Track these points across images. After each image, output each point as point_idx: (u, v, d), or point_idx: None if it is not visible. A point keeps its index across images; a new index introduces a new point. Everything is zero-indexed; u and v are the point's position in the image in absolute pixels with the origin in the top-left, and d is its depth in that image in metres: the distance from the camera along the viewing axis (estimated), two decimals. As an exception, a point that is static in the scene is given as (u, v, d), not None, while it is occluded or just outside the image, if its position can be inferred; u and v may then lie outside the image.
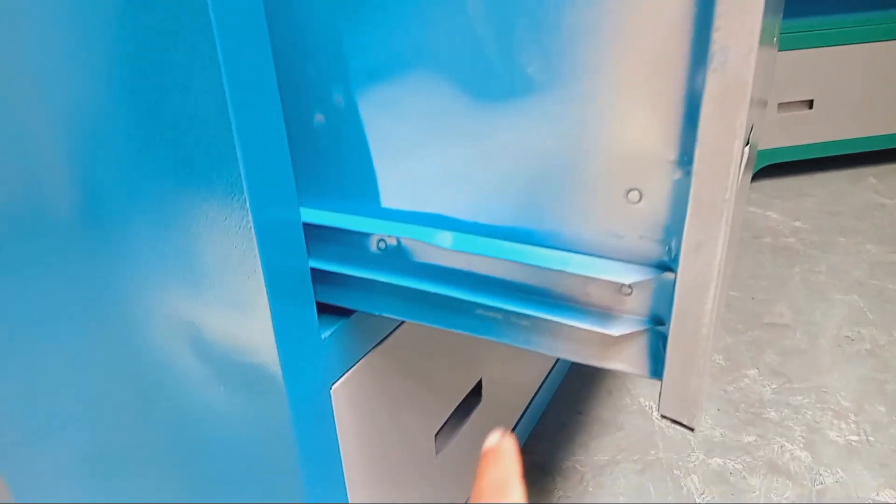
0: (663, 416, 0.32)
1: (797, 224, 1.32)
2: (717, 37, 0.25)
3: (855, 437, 0.78)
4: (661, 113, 0.28)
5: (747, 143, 0.44)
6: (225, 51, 0.30)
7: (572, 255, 0.32)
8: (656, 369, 0.32)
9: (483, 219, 0.34)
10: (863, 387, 0.87)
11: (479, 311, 0.36)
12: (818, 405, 0.84)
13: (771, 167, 1.52)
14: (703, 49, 0.26)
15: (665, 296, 0.31)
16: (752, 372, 0.90)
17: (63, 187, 0.40)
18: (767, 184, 1.51)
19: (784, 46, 1.41)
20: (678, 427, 0.80)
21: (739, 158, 0.26)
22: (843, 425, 0.80)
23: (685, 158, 0.28)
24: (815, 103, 1.47)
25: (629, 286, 0.31)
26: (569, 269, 0.32)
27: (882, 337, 0.96)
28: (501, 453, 0.27)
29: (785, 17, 1.43)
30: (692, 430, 0.32)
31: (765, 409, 0.84)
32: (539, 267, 0.33)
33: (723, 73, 0.25)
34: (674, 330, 0.30)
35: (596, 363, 0.34)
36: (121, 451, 0.51)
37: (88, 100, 0.36)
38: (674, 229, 0.29)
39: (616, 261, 0.32)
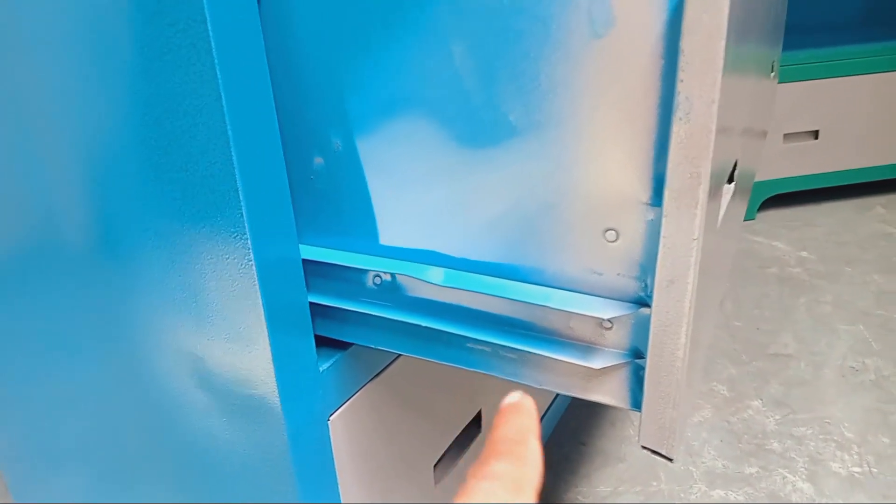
0: (643, 447, 0.33)
1: (803, 254, 1.33)
2: (682, 88, 0.26)
3: (858, 469, 0.78)
4: (634, 158, 0.29)
5: (731, 180, 0.46)
6: (229, 101, 0.32)
7: (555, 290, 0.34)
8: (636, 401, 0.33)
9: (472, 255, 0.36)
10: (867, 418, 0.87)
11: (469, 345, 0.38)
12: (821, 436, 0.84)
13: (778, 197, 1.52)
14: (669, 99, 0.27)
15: (643, 330, 0.32)
16: (756, 403, 0.91)
17: (79, 224, 0.42)
18: (774, 213, 1.52)
19: (789, 78, 1.42)
20: (680, 458, 0.80)
21: (706, 201, 0.28)
22: (846, 457, 0.80)
23: (657, 200, 0.29)
24: (820, 134, 1.48)
25: (609, 321, 0.33)
26: (552, 305, 0.34)
27: (887, 368, 0.96)
28: (521, 409, 0.25)
29: (789, 49, 1.45)
30: (671, 460, 0.33)
31: (768, 440, 0.84)
32: (524, 302, 0.35)
33: (687, 122, 0.27)
34: (650, 363, 0.31)
35: (579, 395, 0.35)
36: (127, 472, 0.52)
37: (104, 143, 0.38)
38: (648, 267, 0.31)
39: (596, 296, 0.33)
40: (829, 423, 0.86)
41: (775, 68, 0.86)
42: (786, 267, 1.28)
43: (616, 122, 0.29)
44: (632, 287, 0.32)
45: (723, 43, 0.25)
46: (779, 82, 1.42)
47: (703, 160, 0.27)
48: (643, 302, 0.32)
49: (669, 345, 0.31)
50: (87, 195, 0.40)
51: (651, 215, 0.30)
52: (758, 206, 1.51)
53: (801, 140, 1.49)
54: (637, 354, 0.33)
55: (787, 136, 1.48)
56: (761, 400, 0.91)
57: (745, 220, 1.50)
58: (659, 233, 0.29)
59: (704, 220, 0.28)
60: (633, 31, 0.27)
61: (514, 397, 0.26)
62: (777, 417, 0.88)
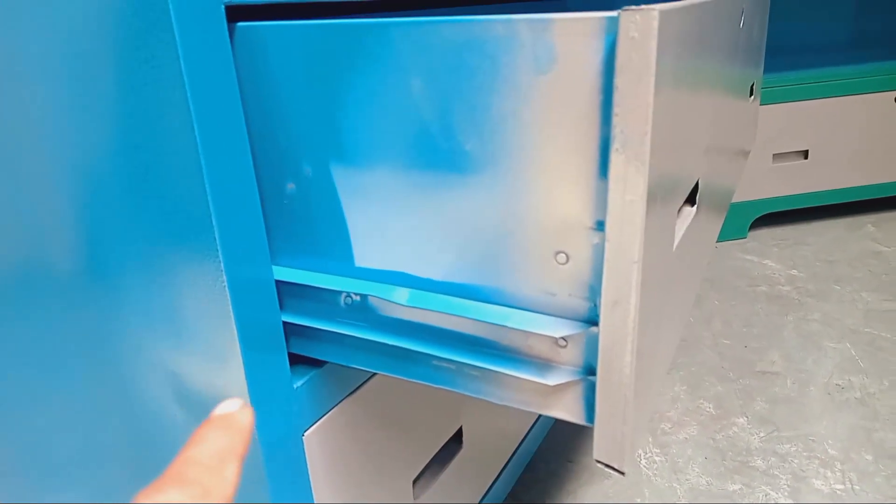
0: (597, 461, 0.35)
1: (793, 272, 1.34)
2: (617, 121, 0.28)
3: (840, 486, 0.79)
4: (579, 185, 0.31)
5: (693, 203, 0.47)
6: (202, 132, 0.34)
7: (513, 310, 0.36)
8: (591, 416, 0.35)
9: (436, 276, 0.38)
10: (851, 435, 0.87)
11: (434, 362, 0.39)
12: (805, 453, 0.85)
13: (769, 216, 1.54)
14: (608, 131, 0.29)
15: (594, 348, 0.34)
16: (741, 420, 0.91)
17: (64, 246, 0.44)
18: (766, 232, 1.53)
19: (778, 99, 1.45)
20: (665, 475, 0.81)
21: (643, 225, 0.29)
22: (829, 474, 0.81)
23: (600, 225, 0.31)
24: (809, 153, 1.50)
25: (563, 339, 0.34)
26: (511, 324, 0.35)
27: (873, 385, 0.97)
28: (231, 424, 0.20)
29: (778, 70, 1.47)
30: (623, 473, 0.34)
31: (752, 457, 0.85)
32: (485, 322, 0.36)
33: (624, 153, 0.28)
34: (600, 380, 0.33)
35: (538, 410, 0.36)
36: (108, 485, 0.53)
37: (87, 170, 0.40)
38: (597, 288, 0.32)
39: (551, 316, 0.35)
40: (813, 440, 0.87)
41: (755, 90, 0.88)
42: (775, 285, 1.29)
43: (562, 152, 0.31)
44: (583, 307, 0.34)
45: (653, 80, 0.27)
46: (768, 103, 1.44)
47: (640, 187, 0.29)
48: (594, 321, 0.33)
49: (616, 363, 0.32)
50: (72, 219, 0.42)
51: (596, 239, 0.32)
52: (749, 225, 1.53)
53: (791, 160, 1.51)
54: (590, 371, 0.34)
55: (776, 156, 1.50)
56: (747, 417, 0.92)
57: (736, 239, 1.51)
58: (604, 256, 0.31)
59: (644, 243, 0.30)
60: (574, 69, 0.29)
61: (230, 406, 0.22)
62: (762, 435, 0.89)
